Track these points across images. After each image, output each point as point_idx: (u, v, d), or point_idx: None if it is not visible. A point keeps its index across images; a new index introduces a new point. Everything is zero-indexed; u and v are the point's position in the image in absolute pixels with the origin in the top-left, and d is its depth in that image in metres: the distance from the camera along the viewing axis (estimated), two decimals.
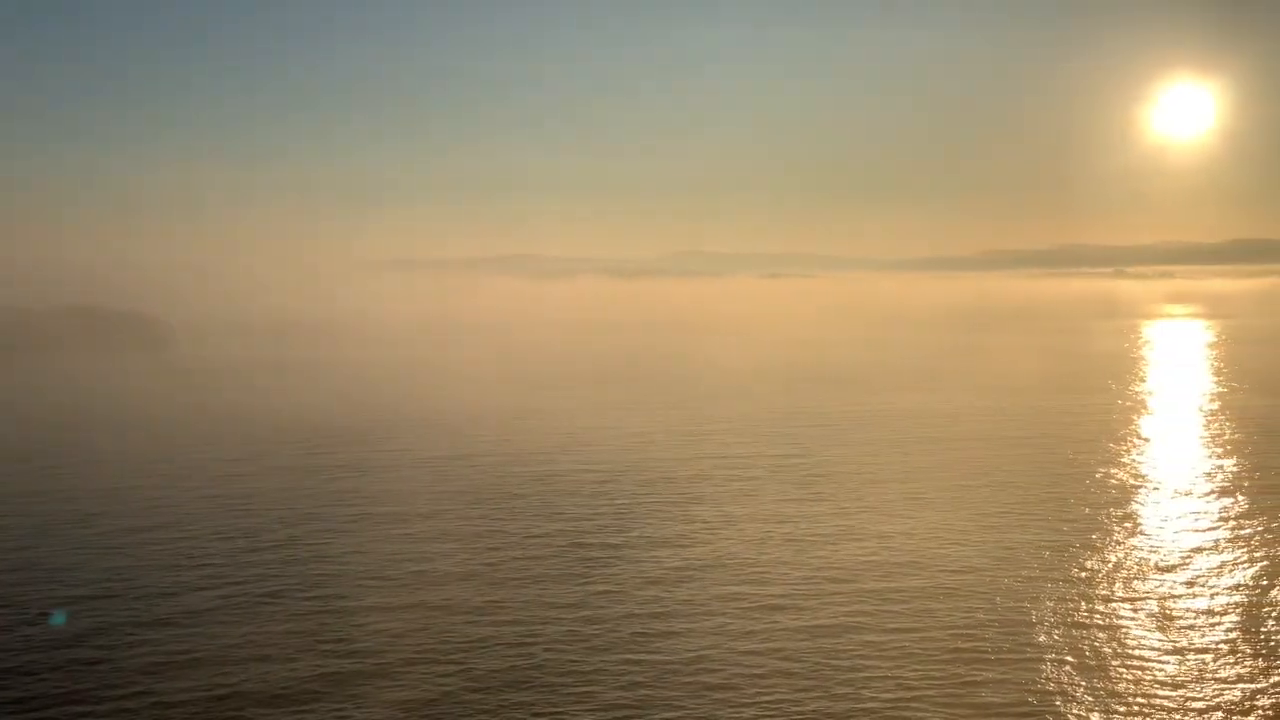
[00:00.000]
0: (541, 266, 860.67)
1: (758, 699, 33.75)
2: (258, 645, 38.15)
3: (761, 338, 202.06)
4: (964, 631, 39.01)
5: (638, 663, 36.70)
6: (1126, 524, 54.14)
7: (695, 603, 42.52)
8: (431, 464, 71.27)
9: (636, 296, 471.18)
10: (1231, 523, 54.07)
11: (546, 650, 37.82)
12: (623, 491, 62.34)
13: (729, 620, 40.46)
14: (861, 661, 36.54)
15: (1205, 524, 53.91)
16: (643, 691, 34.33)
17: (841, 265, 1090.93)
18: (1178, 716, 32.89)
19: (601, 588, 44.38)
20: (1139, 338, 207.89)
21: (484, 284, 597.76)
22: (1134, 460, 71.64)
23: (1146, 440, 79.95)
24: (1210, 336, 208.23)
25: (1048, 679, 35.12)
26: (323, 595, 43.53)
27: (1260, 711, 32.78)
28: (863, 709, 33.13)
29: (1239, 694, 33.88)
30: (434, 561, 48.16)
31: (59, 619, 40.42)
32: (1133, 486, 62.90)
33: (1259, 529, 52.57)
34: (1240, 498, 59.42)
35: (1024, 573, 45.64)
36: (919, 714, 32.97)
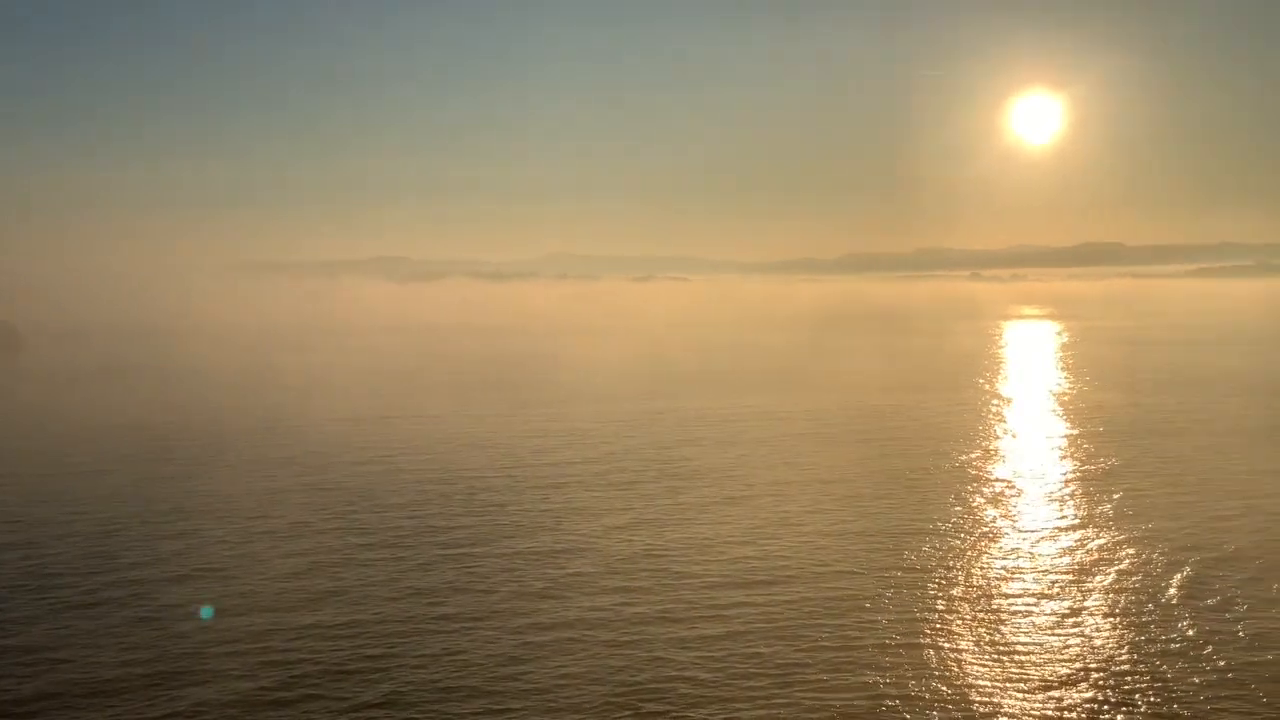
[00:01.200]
0: (410, 269, 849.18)
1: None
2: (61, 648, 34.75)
3: (631, 340, 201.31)
4: (819, 626, 37.90)
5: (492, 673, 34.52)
6: (977, 515, 54.08)
7: (560, 611, 40.46)
8: (265, 467, 67.75)
9: (507, 299, 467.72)
10: (1076, 513, 54.48)
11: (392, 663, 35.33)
12: (470, 493, 59.90)
13: (592, 630, 38.54)
14: (721, 663, 35.07)
15: (1051, 514, 54.22)
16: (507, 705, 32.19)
17: (712, 268, 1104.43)
18: (1015, 705, 32.31)
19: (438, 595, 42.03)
20: (994, 338, 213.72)
21: (349, 287, 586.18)
22: (988, 455, 72.25)
23: (1000, 435, 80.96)
24: (1060, 337, 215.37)
25: (895, 673, 34.18)
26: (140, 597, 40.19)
27: (1096, 698, 32.39)
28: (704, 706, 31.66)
29: (1072, 681, 33.47)
30: (252, 564, 45.04)
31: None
32: (987, 480, 63.18)
33: (1100, 519, 53.05)
34: (1085, 489, 60.15)
35: (875, 567, 44.89)
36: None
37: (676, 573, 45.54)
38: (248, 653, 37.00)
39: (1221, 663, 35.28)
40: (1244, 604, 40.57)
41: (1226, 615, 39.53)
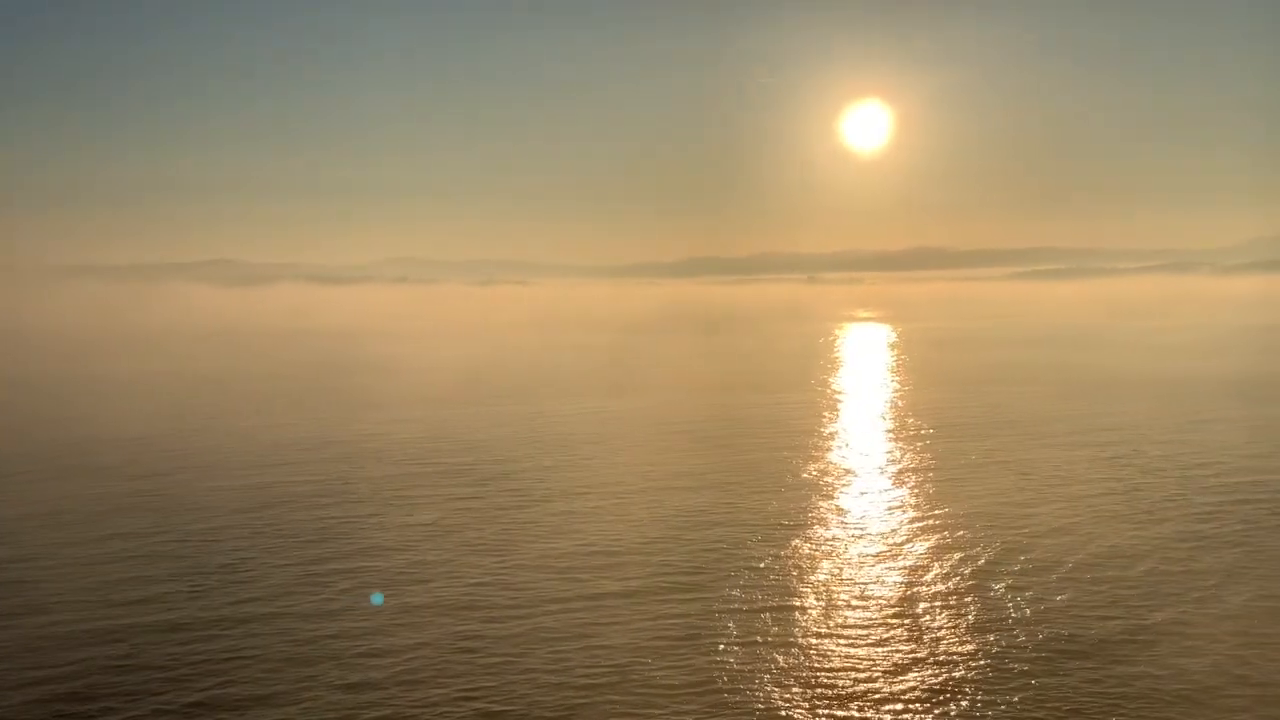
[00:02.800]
0: (240, 272, 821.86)
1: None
2: None
3: (469, 345, 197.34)
4: (646, 626, 35.63)
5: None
6: (807, 512, 52.94)
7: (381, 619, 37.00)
8: (65, 477, 61.89)
9: (342, 304, 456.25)
10: (899, 506, 53.97)
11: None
12: (277, 502, 55.66)
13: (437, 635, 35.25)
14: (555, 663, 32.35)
15: (877, 507, 53.60)
16: None
17: (553, 272, 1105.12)
18: (850, 695, 30.84)
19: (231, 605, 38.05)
20: (829, 340, 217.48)
21: (174, 291, 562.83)
22: (821, 452, 71.67)
23: (834, 434, 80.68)
24: (893, 338, 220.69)
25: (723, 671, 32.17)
26: None
27: (925, 690, 31.15)
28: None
29: (905, 672, 32.18)
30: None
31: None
32: (819, 476, 62.36)
33: (921, 510, 52.61)
34: (910, 482, 59.94)
35: (712, 565, 43.04)
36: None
37: (515, 581, 42.64)
38: None
39: (1036, 650, 34.57)
40: (1051, 589, 40.20)
41: (1040, 603, 38.99)
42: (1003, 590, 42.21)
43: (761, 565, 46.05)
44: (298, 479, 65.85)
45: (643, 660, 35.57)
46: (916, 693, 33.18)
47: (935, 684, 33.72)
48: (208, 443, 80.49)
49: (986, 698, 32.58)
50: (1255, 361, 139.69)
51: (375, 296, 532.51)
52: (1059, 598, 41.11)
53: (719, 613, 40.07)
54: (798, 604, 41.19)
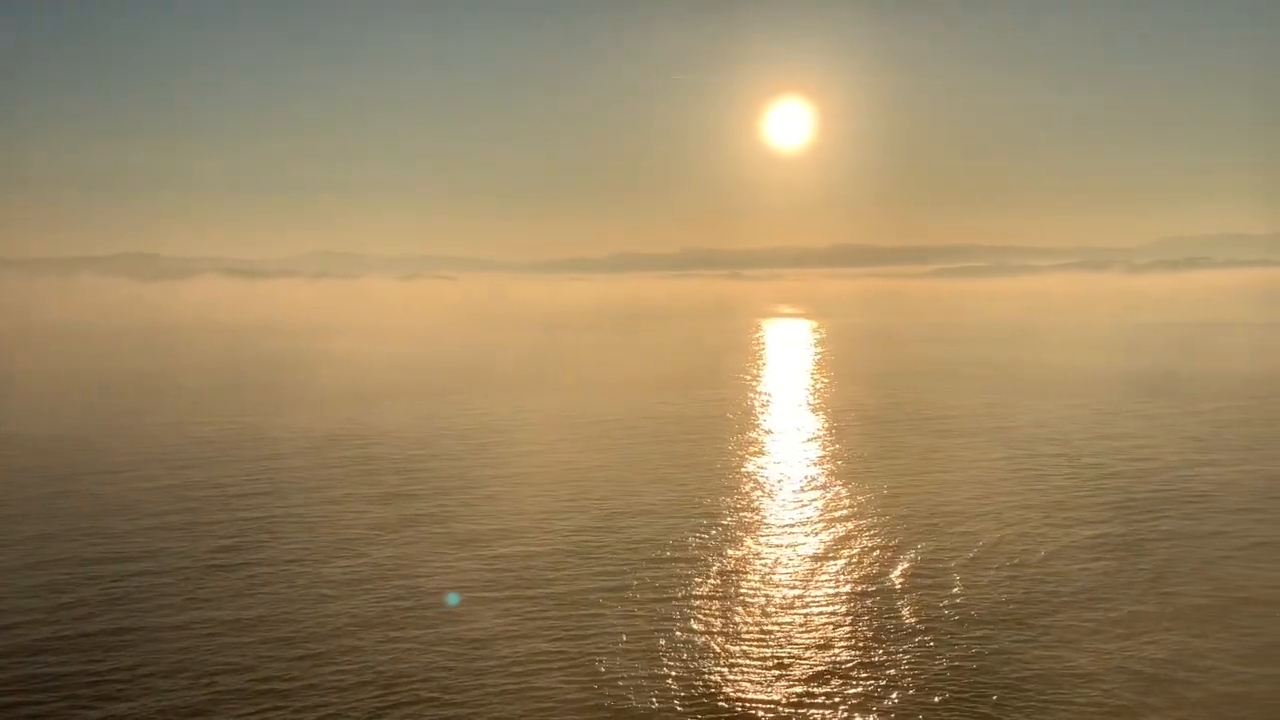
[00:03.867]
0: (158, 266, 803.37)
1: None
2: None
3: (390, 341, 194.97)
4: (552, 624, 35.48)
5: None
6: (721, 505, 53.17)
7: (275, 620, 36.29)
8: None
9: (262, 298, 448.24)
10: (817, 500, 54.48)
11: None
12: (168, 503, 54.52)
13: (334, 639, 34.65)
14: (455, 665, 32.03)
15: (794, 501, 54.06)
16: None
17: (481, 267, 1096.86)
18: (769, 692, 31.07)
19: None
20: (754, 336, 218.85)
21: (89, 286, 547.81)
22: (742, 447, 72.02)
23: (755, 429, 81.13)
24: (817, 334, 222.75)
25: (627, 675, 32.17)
26: None
27: (825, 673, 31.48)
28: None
29: (803, 659, 32.50)
30: None
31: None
32: (740, 471, 62.66)
33: (840, 507, 53.16)
34: (830, 477, 60.53)
35: (622, 562, 42.98)
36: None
37: (422, 578, 42.18)
38: None
39: (936, 643, 35.12)
40: (956, 579, 40.97)
41: (950, 597, 39.62)
42: (909, 579, 42.86)
43: (672, 556, 46.13)
44: (212, 478, 64.57)
45: (560, 651, 35.51)
46: (817, 676, 33.63)
47: (836, 668, 34.12)
48: (118, 442, 78.60)
49: (883, 679, 33.06)
50: (1162, 357, 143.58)
51: (296, 291, 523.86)
52: (963, 587, 41.82)
53: (633, 604, 40.10)
54: (707, 594, 41.33)
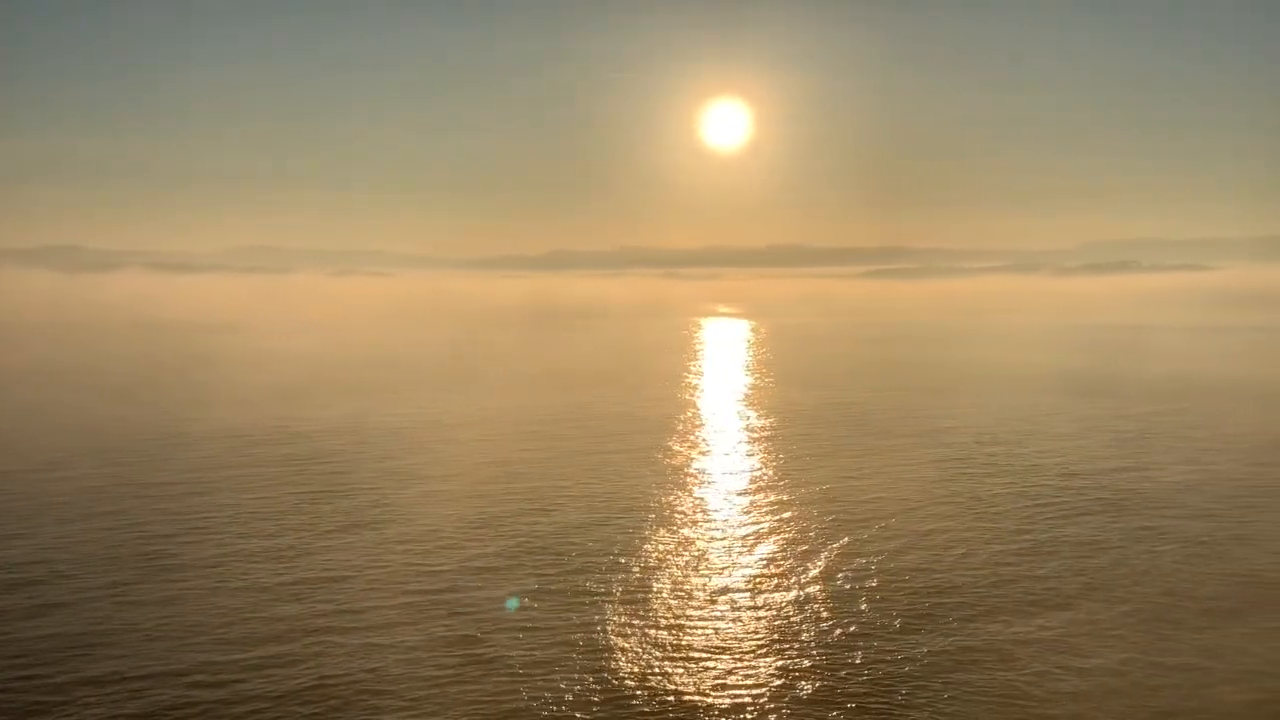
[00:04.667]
0: (83, 259, 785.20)
1: None
2: None
3: (318, 337, 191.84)
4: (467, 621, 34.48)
5: None
6: (653, 504, 52.52)
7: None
8: None
9: (188, 293, 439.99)
10: (746, 499, 54.07)
11: None
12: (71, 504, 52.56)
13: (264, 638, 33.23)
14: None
15: (723, 502, 53.60)
16: None
17: (416, 263, 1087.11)
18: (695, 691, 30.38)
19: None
20: (689, 335, 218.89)
21: (10, 278, 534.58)
22: (672, 446, 71.43)
23: (687, 428, 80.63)
24: (751, 334, 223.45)
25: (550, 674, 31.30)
26: None
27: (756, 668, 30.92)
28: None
29: (731, 654, 31.95)
30: None
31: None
32: (669, 470, 62.05)
33: (767, 506, 52.83)
34: (761, 477, 60.16)
35: (552, 562, 42.08)
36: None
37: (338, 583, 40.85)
38: None
39: (852, 639, 34.78)
40: (881, 581, 40.69)
41: (874, 596, 39.33)
42: (831, 577, 42.50)
43: (599, 554, 45.37)
44: (134, 478, 62.45)
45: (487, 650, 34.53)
46: (732, 671, 33.17)
47: (752, 663, 33.64)
48: (36, 442, 75.94)
49: (798, 674, 32.60)
50: (1091, 359, 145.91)
51: (224, 286, 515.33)
52: (884, 584, 41.62)
53: (548, 599, 39.22)
54: (632, 592, 40.61)
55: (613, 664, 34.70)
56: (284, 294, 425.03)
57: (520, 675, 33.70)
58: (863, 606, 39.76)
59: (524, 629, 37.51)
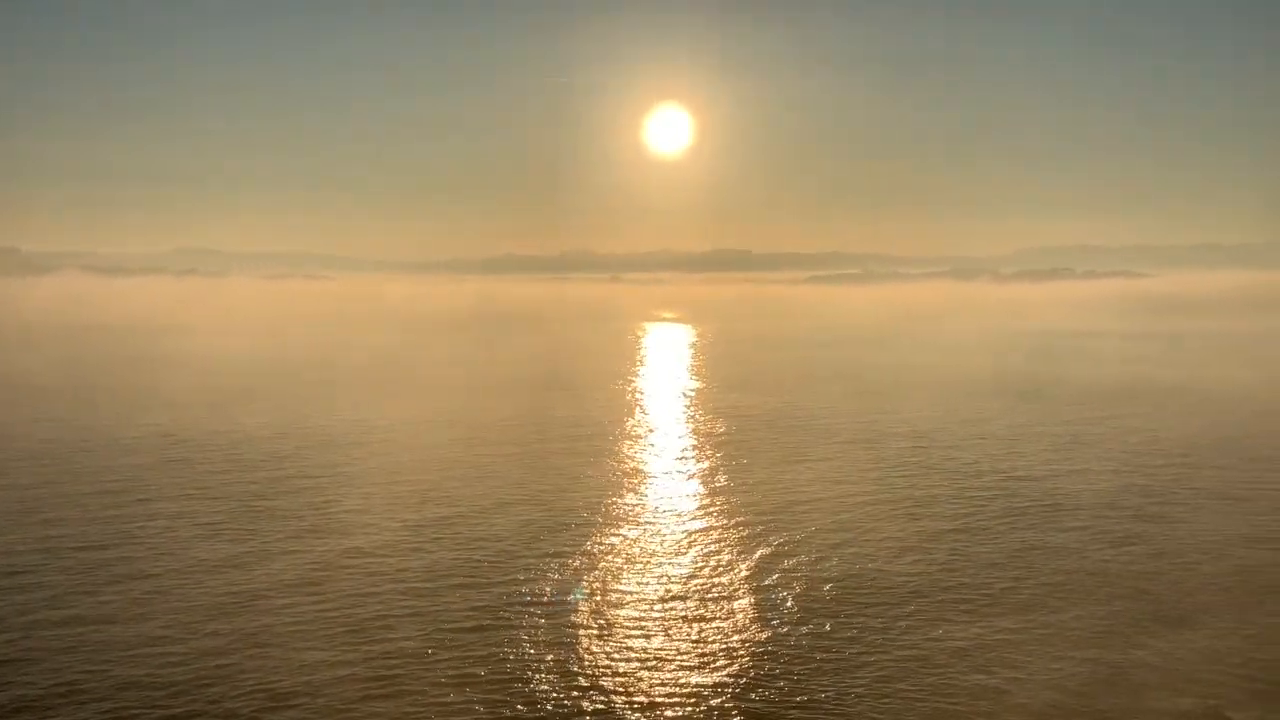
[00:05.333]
0: (17, 261, 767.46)
1: None
2: None
3: (256, 342, 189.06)
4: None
5: None
6: (596, 506, 52.28)
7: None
8: None
9: (126, 296, 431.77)
10: (685, 501, 54.00)
11: None
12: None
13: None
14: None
15: (662, 504, 53.50)
16: None
17: (356, 267, 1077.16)
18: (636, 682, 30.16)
19: None
20: (634, 339, 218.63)
21: None
22: (615, 449, 71.22)
23: (630, 430, 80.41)
24: (695, 338, 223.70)
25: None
26: None
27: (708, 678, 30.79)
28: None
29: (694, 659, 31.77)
30: None
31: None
32: (614, 475, 61.79)
33: (707, 508, 52.82)
34: (701, 479, 60.17)
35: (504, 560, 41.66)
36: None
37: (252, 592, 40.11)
38: None
39: (777, 631, 34.83)
40: (809, 577, 40.85)
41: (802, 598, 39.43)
42: (770, 577, 42.82)
43: (534, 555, 45.07)
44: (66, 481, 61.00)
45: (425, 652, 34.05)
46: (659, 664, 33.10)
47: (681, 656, 33.57)
48: None
49: (721, 664, 32.58)
50: (1026, 364, 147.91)
51: (161, 289, 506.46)
52: (810, 579, 42.02)
53: (485, 605, 38.86)
54: (565, 592, 40.42)
55: (546, 668, 34.58)
56: (221, 297, 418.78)
57: (439, 688, 33.33)
58: (791, 605, 40.16)
59: (462, 632, 37.11)
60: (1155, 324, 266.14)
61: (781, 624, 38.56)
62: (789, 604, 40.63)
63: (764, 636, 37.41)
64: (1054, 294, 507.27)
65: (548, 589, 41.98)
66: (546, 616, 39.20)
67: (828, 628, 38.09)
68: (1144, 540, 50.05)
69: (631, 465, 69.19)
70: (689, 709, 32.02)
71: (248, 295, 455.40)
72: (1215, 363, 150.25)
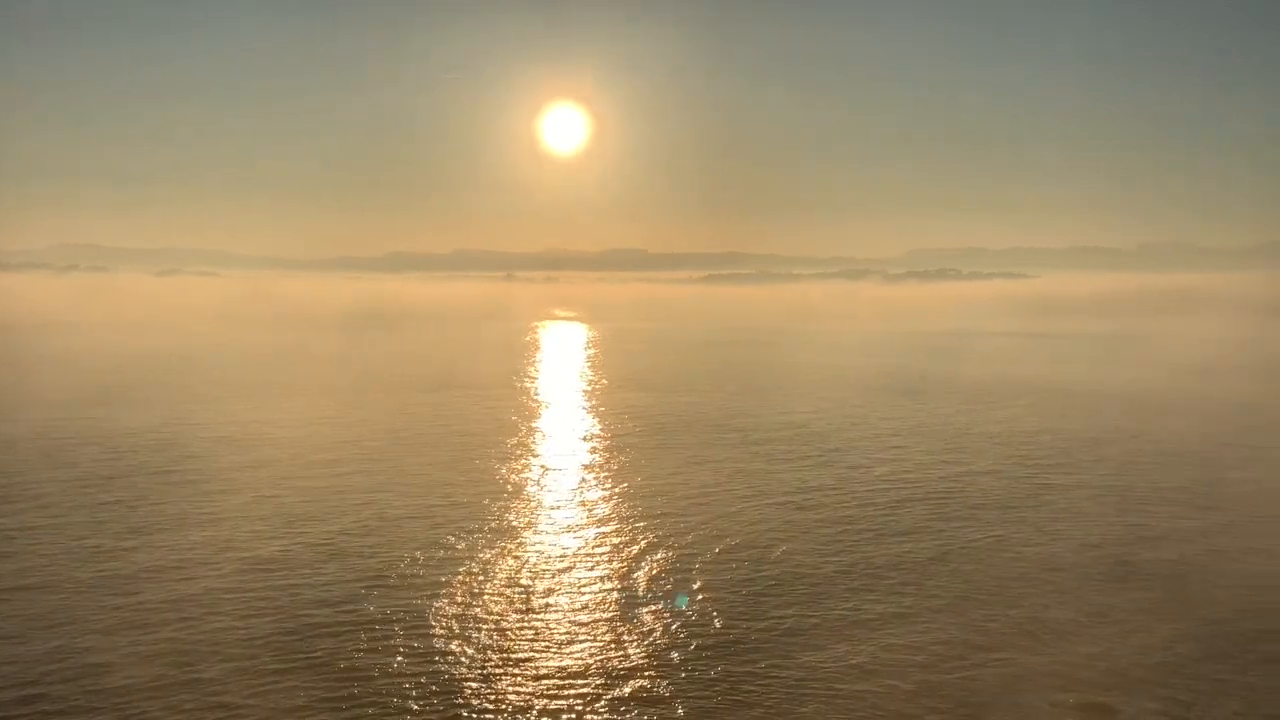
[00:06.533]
0: None
1: None
2: None
3: (140, 340, 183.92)
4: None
5: None
6: (486, 514, 52.57)
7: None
8: None
9: (4, 293, 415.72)
10: (577, 505, 54.67)
11: None
12: None
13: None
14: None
15: (551, 508, 54.08)
16: None
17: (246, 264, 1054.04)
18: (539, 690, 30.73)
19: None
20: (528, 338, 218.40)
21: None
22: (507, 451, 71.39)
23: (523, 432, 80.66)
24: (589, 337, 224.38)
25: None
26: None
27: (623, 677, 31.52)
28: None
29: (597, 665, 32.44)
30: None
31: (682, 601, 40.65)
32: (504, 476, 62.09)
33: (599, 511, 53.56)
34: (595, 482, 60.85)
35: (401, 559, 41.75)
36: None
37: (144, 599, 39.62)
38: None
39: (672, 636, 35.83)
40: (700, 579, 41.93)
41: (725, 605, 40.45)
42: (652, 578, 43.60)
43: (425, 560, 45.27)
44: None
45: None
46: (551, 675, 33.71)
47: (572, 666, 34.29)
48: None
49: (615, 675, 33.43)
50: (913, 363, 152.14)
51: (42, 285, 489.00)
52: (703, 583, 42.85)
53: (392, 605, 39.06)
54: (454, 599, 40.73)
55: (441, 675, 34.76)
56: (104, 294, 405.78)
57: (339, 697, 33.45)
58: (685, 609, 40.68)
59: (352, 631, 37.19)
60: (1036, 324, 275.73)
61: (666, 626, 39.38)
62: (672, 605, 41.45)
63: (647, 639, 38.12)
64: (940, 294, 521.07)
65: (418, 601, 41.38)
66: (414, 633, 39.13)
67: (717, 624, 38.99)
68: (1019, 536, 52.16)
69: (522, 465, 69.35)
70: (559, 712, 32.45)
71: (136, 292, 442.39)
72: (1088, 362, 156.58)
